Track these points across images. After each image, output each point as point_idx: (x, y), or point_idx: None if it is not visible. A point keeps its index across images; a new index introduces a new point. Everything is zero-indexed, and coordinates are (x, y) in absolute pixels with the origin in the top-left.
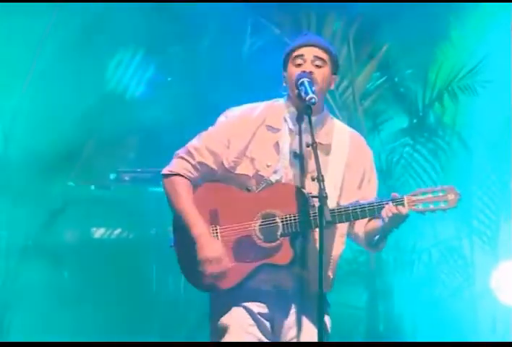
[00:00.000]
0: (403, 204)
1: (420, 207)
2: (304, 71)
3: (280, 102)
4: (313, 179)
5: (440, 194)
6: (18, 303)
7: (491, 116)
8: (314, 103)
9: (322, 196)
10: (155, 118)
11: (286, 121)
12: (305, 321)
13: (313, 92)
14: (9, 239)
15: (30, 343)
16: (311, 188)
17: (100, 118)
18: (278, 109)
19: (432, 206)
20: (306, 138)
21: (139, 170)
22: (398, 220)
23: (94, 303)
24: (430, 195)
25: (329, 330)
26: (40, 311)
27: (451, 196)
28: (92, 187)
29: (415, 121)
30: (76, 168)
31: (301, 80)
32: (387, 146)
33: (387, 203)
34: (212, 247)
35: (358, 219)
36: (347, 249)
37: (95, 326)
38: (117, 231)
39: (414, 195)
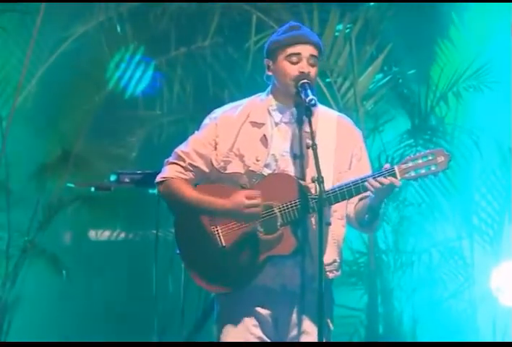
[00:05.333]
0: (394, 174)
1: (412, 173)
2: (302, 73)
3: (263, 96)
4: (313, 181)
5: (430, 157)
6: (18, 304)
7: (496, 113)
8: (314, 105)
9: (322, 198)
10: (156, 119)
11: (270, 114)
12: (310, 317)
13: (313, 94)
14: (9, 240)
15: (30, 343)
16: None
17: (100, 119)
18: (261, 104)
19: (423, 171)
20: (305, 137)
21: (139, 171)
22: (387, 191)
23: (94, 303)
24: (420, 161)
25: (331, 327)
26: (39, 312)
27: (441, 159)
28: (92, 189)
29: (417, 121)
30: (75, 170)
31: (302, 82)
32: (389, 147)
33: (378, 175)
34: (236, 198)
35: (353, 196)
36: (347, 250)
37: (94, 326)
38: (117, 233)
39: (404, 163)
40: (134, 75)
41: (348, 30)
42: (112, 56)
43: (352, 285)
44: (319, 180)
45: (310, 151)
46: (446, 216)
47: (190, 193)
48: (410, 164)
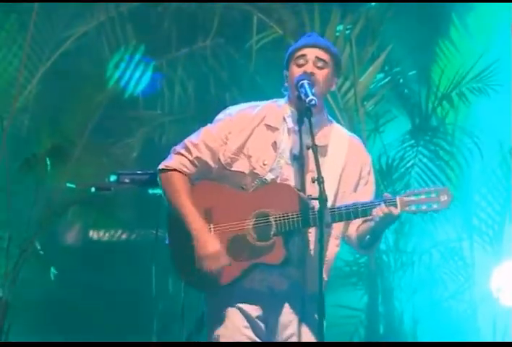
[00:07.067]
0: (395, 205)
1: (413, 208)
2: (305, 72)
3: (281, 102)
4: (313, 181)
5: (433, 195)
6: (18, 304)
7: (496, 114)
8: (314, 105)
9: (322, 199)
10: (157, 119)
11: (284, 120)
12: (299, 322)
13: (313, 94)
14: (9, 240)
15: (30, 343)
16: (310, 189)
17: (100, 119)
18: (278, 109)
19: (424, 207)
20: (306, 139)
21: (139, 172)
22: (389, 220)
23: (94, 303)
24: (423, 196)
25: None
26: (39, 312)
27: (444, 198)
28: (92, 189)
29: (417, 122)
30: (76, 170)
31: (301, 82)
32: (389, 147)
33: (379, 204)
34: (210, 243)
35: (351, 219)
36: (348, 250)
37: (94, 326)
38: (117, 233)
39: (407, 196)
40: (134, 75)
41: (348, 31)
42: (112, 56)
43: (352, 285)
44: (319, 180)
45: (311, 153)
46: (446, 217)
47: (183, 200)
48: (412, 198)
